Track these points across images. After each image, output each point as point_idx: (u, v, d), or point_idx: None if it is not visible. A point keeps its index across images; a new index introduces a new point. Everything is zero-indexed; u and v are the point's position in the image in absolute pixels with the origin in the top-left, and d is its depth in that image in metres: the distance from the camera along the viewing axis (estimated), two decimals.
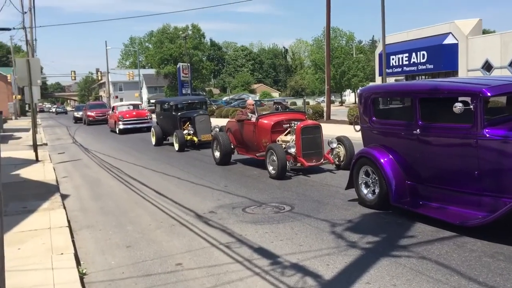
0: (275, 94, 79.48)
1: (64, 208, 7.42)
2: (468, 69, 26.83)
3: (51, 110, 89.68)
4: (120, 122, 23.92)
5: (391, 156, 6.31)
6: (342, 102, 61.67)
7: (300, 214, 6.56)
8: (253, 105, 11.13)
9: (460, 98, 5.58)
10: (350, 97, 68.43)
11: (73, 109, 54.97)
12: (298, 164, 9.50)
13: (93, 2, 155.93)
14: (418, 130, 5.90)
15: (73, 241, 5.69)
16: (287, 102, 22.46)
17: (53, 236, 5.72)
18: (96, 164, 13.14)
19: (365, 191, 6.74)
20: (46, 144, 19.47)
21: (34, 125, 15.28)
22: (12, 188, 9.06)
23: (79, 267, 4.83)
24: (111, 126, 26.00)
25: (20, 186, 9.23)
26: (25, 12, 31.03)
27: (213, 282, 4.40)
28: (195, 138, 15.21)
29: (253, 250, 5.18)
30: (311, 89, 71.94)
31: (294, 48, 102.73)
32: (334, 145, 9.80)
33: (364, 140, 7.13)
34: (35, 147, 13.69)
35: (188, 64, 51.60)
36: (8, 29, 25.77)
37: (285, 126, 10.26)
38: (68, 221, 6.64)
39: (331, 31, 27.19)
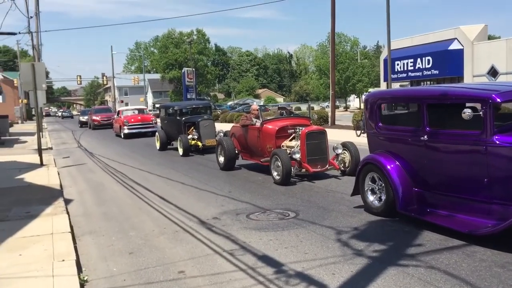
0: (280, 99, 79.44)
1: (67, 213, 7.37)
2: (473, 75, 26.65)
3: (57, 114, 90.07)
4: (125, 127, 23.93)
5: (397, 163, 6.21)
6: (346, 108, 61.54)
7: (305, 221, 6.46)
8: (257, 110, 11.07)
9: (468, 104, 5.48)
10: (354, 102, 68.26)
11: (79, 113, 55.20)
12: (303, 170, 9.41)
13: (99, 7, 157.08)
14: (425, 136, 5.80)
15: (75, 247, 5.62)
16: (292, 107, 22.39)
17: (55, 242, 5.66)
18: (101, 169, 13.10)
19: (371, 198, 6.64)
20: (51, 148, 19.49)
21: (39, 129, 15.28)
22: (16, 192, 9.03)
23: (81, 274, 4.76)
24: (116, 130, 26.03)
25: (24, 191, 9.20)
26: (31, 17, 31.28)
27: None
28: (199, 143, 15.16)
29: (257, 257, 5.09)
30: (315, 94, 71.80)
31: (298, 53, 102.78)
32: (340, 150, 9.70)
33: (370, 146, 7.03)
34: (40, 151, 13.68)
35: (193, 69, 51.69)
36: (14, 34, 25.88)
37: (289, 131, 10.18)
38: (71, 227, 6.58)
39: (335, 37, 27.12)
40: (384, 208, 6.33)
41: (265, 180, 9.83)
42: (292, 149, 9.48)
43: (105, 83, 72.24)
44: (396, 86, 30.74)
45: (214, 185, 9.62)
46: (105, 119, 33.43)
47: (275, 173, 9.39)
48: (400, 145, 6.31)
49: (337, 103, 52.41)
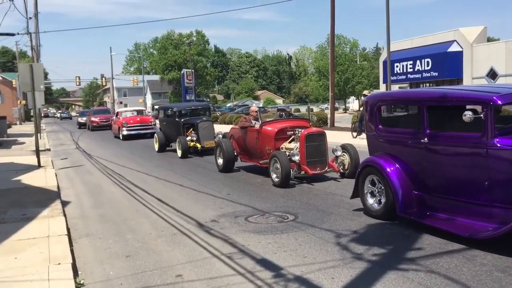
0: (279, 101, 79.48)
1: (64, 215, 7.31)
2: (472, 77, 26.64)
3: (56, 115, 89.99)
4: (124, 128, 23.86)
5: (397, 165, 6.16)
6: (346, 109, 61.55)
7: (304, 224, 6.41)
8: (256, 111, 11.02)
9: (469, 106, 5.44)
10: (354, 104, 68.27)
11: (78, 114, 55.11)
12: (302, 172, 9.35)
13: (98, 8, 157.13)
14: (426, 139, 5.75)
15: (71, 250, 5.56)
16: (291, 109, 22.34)
17: (52, 245, 5.59)
18: (99, 170, 13.04)
19: (371, 200, 6.58)
20: (49, 150, 19.41)
21: (37, 130, 15.20)
22: (13, 194, 8.96)
23: (77, 278, 4.70)
24: (114, 132, 25.95)
25: (21, 193, 9.13)
26: (30, 18, 31.23)
27: None
28: (198, 145, 15.11)
29: (256, 261, 5.04)
30: (315, 96, 71.81)
31: (298, 55, 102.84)
32: (339, 153, 9.65)
33: (370, 148, 6.99)
34: (37, 152, 13.61)
35: (192, 70, 51.69)
36: (13, 35, 25.84)
37: (289, 133, 10.13)
38: (68, 229, 6.52)
39: (335, 38, 27.11)
40: (384, 211, 6.28)
41: (264, 182, 9.78)
42: (291, 151, 9.43)
43: (104, 84, 72.18)
44: (395, 88, 30.71)
45: (212, 187, 9.56)
46: (104, 120, 33.35)
47: (274, 175, 9.34)
48: (400, 148, 6.26)
49: (337, 105, 52.34)
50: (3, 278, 4.56)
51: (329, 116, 24.55)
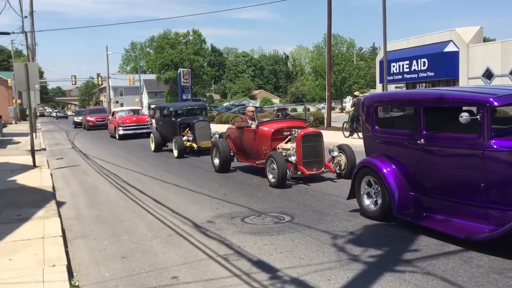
0: (276, 101, 79.42)
1: (60, 216, 7.27)
2: (468, 77, 26.71)
3: (52, 115, 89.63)
4: (120, 128, 23.78)
5: (394, 166, 6.15)
6: (342, 109, 61.54)
7: (301, 225, 6.39)
8: (253, 111, 10.99)
9: (465, 108, 5.44)
10: (350, 104, 68.35)
11: (74, 113, 54.90)
12: (299, 173, 9.34)
13: (95, 7, 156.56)
14: (422, 140, 5.75)
15: (66, 251, 5.52)
16: (288, 108, 22.33)
17: (46, 246, 5.55)
18: (94, 171, 12.98)
19: (367, 201, 6.58)
20: (44, 149, 19.31)
21: (32, 130, 15.13)
22: (7, 195, 8.90)
23: (72, 279, 4.67)
24: (111, 131, 25.86)
25: (16, 193, 9.07)
26: (25, 17, 31.08)
27: None
28: (194, 145, 15.06)
29: (252, 263, 5.01)
30: (311, 96, 71.86)
31: (294, 55, 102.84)
32: (335, 153, 9.64)
33: (366, 149, 6.98)
34: (32, 152, 13.53)
35: (189, 70, 51.58)
36: (8, 33, 25.69)
37: (285, 133, 10.11)
38: (63, 230, 6.48)
39: (331, 38, 27.12)
40: (380, 212, 6.27)
41: (260, 183, 9.76)
42: (288, 152, 9.41)
43: (100, 83, 71.92)
44: (392, 88, 30.76)
45: (209, 187, 9.53)
46: (100, 119, 33.26)
47: (270, 176, 9.32)
48: (397, 149, 6.26)
49: (333, 105, 52.38)
50: None
51: (325, 116, 24.56)
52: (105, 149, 19.41)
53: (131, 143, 21.47)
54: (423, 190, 5.86)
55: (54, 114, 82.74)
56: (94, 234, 6.54)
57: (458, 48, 27.21)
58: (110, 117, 27.86)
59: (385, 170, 6.14)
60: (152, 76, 73.95)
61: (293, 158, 9.21)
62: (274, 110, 12.33)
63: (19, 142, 21.94)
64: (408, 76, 30.57)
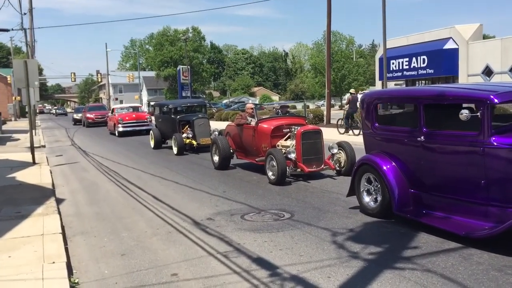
0: (275, 98, 79.39)
1: (59, 213, 7.26)
2: (468, 74, 26.68)
3: (51, 112, 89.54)
4: (120, 125, 23.76)
5: (394, 164, 6.14)
6: (341, 106, 61.53)
7: (300, 222, 6.39)
8: (252, 109, 10.97)
9: (466, 105, 5.42)
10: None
11: (73, 110, 54.85)
12: (298, 170, 9.33)
13: (94, 4, 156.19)
14: (422, 137, 5.74)
15: (66, 249, 5.52)
16: (288, 106, 22.33)
17: (46, 243, 5.54)
18: (94, 167, 12.97)
19: (367, 199, 6.57)
20: (44, 146, 19.30)
21: (32, 127, 15.10)
22: (7, 192, 8.89)
23: (71, 277, 4.66)
24: (110, 128, 25.84)
25: (15, 190, 9.06)
26: (24, 14, 31.00)
27: None
28: (194, 142, 15.05)
29: (252, 260, 5.01)
30: (311, 93, 71.83)
31: (294, 52, 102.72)
32: (335, 150, 9.63)
33: (366, 146, 6.97)
34: (32, 149, 13.52)
35: (188, 67, 51.47)
36: (7, 30, 25.62)
37: (285, 130, 10.10)
38: (62, 227, 6.47)
39: (331, 35, 27.08)
40: (380, 209, 6.26)
41: (260, 180, 9.75)
42: (288, 149, 9.40)
43: (99, 80, 71.80)
44: (391, 85, 30.73)
45: (208, 184, 9.53)
46: (99, 116, 33.23)
47: (270, 173, 9.32)
48: (397, 146, 6.24)
49: (333, 102, 52.38)
50: None
51: (325, 113, 24.54)
52: (104, 146, 19.39)
53: (131, 140, 21.46)
54: (423, 187, 5.85)
55: (54, 111, 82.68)
56: (94, 231, 6.54)
57: (458, 45, 27.16)
58: (110, 114, 27.84)
59: (385, 167, 6.13)
60: (152, 73, 73.82)
61: (292, 155, 9.21)
62: (274, 107, 12.31)
63: (18, 139, 21.92)
64: (408, 73, 30.52)
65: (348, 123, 18.37)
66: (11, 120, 46.16)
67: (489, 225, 4.94)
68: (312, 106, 50.23)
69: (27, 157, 13.78)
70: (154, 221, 6.90)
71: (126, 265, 5.10)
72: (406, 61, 30.46)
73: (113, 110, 26.95)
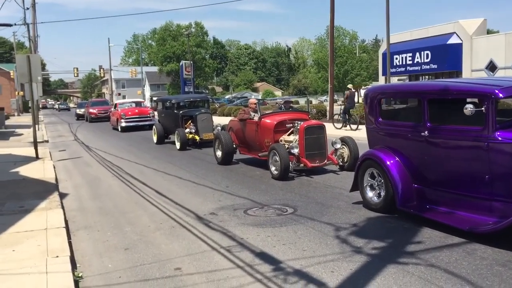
0: (278, 93, 79.25)
1: (62, 207, 7.27)
2: (472, 69, 26.55)
3: (54, 107, 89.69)
4: (122, 120, 23.77)
5: (397, 159, 6.12)
6: (343, 101, 61.47)
7: (303, 217, 6.38)
8: (255, 104, 10.96)
9: (470, 100, 5.39)
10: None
11: (76, 105, 54.93)
12: (301, 165, 9.32)
13: None
14: (426, 132, 5.71)
15: (70, 243, 5.53)
16: (292, 101, 22.34)
17: (49, 237, 5.56)
18: (97, 162, 12.99)
19: (370, 194, 6.56)
20: (47, 141, 19.34)
21: (35, 122, 15.13)
22: (10, 186, 8.92)
23: (75, 270, 4.67)
24: (113, 123, 25.86)
25: (18, 185, 9.08)
26: (27, 8, 30.98)
27: None
28: (196, 137, 15.05)
29: (255, 254, 5.01)
30: (313, 88, 71.63)
31: (297, 47, 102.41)
32: (338, 145, 9.62)
33: (369, 141, 6.94)
34: (35, 144, 13.55)
35: (191, 62, 51.36)
36: (10, 25, 25.63)
37: (288, 126, 10.08)
38: (66, 222, 6.48)
39: (334, 30, 26.98)
40: (383, 204, 6.25)
41: (263, 175, 9.75)
42: (291, 144, 9.39)
43: (102, 75, 71.77)
44: (394, 80, 30.61)
45: (211, 179, 9.53)
46: (102, 112, 33.24)
47: (273, 168, 9.31)
48: (400, 141, 6.22)
49: (335, 97, 52.27)
50: (0, 270, 4.53)
51: (328, 108, 24.50)
52: (107, 141, 19.41)
53: (134, 135, 21.48)
54: (427, 182, 5.83)
55: (57, 106, 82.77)
56: (97, 226, 6.55)
57: (462, 40, 27.02)
58: (112, 109, 27.83)
59: (388, 162, 6.12)
60: (154, 69, 73.75)
61: (295, 150, 9.19)
62: (277, 103, 12.29)
63: (21, 134, 21.97)
64: (411, 68, 30.41)
65: (346, 118, 18.68)
66: (14, 115, 46.24)
67: (493, 220, 4.92)
68: (315, 101, 50.13)
69: (30, 152, 13.82)
70: (157, 215, 6.91)
71: (130, 259, 5.12)
72: (409, 56, 30.34)
73: (116, 105, 26.96)
